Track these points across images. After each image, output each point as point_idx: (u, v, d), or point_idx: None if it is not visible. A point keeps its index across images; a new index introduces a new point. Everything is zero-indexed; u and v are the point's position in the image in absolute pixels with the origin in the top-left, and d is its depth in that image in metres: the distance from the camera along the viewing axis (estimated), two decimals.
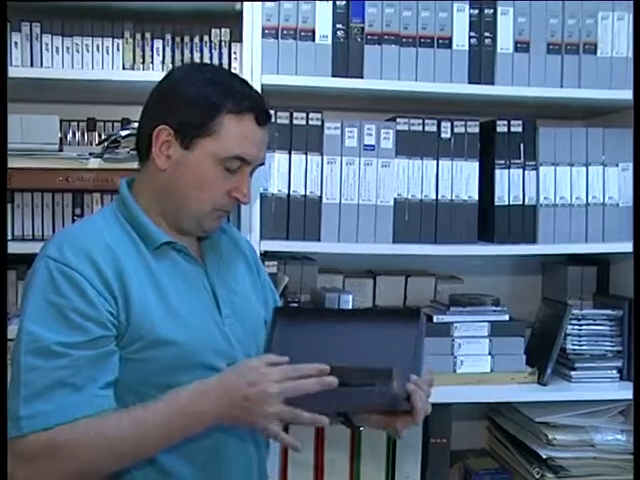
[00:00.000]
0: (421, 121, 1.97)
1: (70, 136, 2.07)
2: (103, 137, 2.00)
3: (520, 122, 2.01)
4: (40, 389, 1.20)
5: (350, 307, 1.95)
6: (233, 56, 1.94)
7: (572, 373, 2.05)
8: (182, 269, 1.38)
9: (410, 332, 1.35)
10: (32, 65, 1.88)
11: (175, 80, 1.38)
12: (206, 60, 1.94)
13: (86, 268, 1.25)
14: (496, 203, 2.00)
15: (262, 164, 1.44)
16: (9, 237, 1.88)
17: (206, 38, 1.95)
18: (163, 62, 1.94)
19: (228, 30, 1.96)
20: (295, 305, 1.96)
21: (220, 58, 1.95)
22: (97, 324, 1.24)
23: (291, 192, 1.92)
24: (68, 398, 1.21)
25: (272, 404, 1.19)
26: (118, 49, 1.92)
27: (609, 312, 2.08)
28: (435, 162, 1.97)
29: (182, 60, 1.95)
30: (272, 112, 1.87)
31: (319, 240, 1.93)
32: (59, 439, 1.20)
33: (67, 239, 1.30)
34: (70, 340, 1.22)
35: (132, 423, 1.21)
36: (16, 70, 1.83)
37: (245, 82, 1.41)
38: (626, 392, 1.97)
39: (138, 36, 1.93)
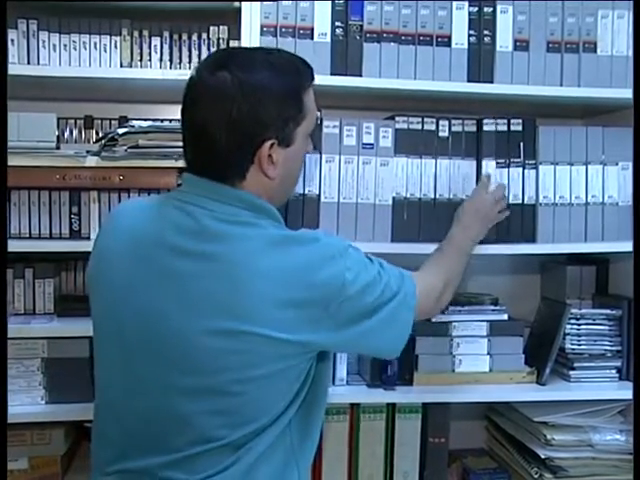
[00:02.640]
0: (420, 120, 1.96)
1: (67, 134, 2.06)
2: (100, 135, 1.99)
3: (520, 121, 2.00)
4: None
5: None
6: None
7: (571, 373, 2.05)
8: None
9: None
10: (29, 63, 1.88)
11: (236, 89, 1.27)
12: (204, 57, 1.93)
13: None
14: None
15: None
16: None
17: (204, 36, 1.94)
18: (161, 60, 1.94)
19: (226, 28, 1.95)
20: None
21: (211, 56, 1.93)
22: None
23: None
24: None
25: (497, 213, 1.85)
26: (116, 47, 1.91)
27: (608, 312, 2.08)
28: (434, 161, 1.97)
29: (180, 58, 1.94)
30: None
31: None
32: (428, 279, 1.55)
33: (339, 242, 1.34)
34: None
35: (447, 254, 1.68)
36: (13, 67, 1.82)
37: (288, 53, 1.42)
38: (625, 392, 1.97)
39: (136, 34, 1.93)
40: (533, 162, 2.01)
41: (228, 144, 1.28)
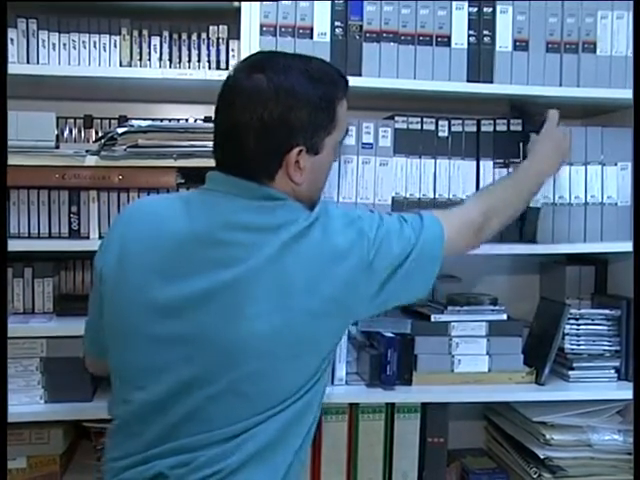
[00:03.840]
0: (419, 120, 1.96)
1: (67, 133, 2.06)
2: (100, 134, 1.99)
3: (519, 121, 2.00)
4: None
5: None
6: (231, 53, 1.93)
7: (570, 373, 2.05)
8: None
9: None
10: (28, 62, 1.87)
11: (270, 93, 1.28)
12: (204, 57, 1.94)
13: None
14: None
15: None
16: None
17: (204, 35, 1.94)
18: (160, 59, 1.94)
19: (226, 27, 1.95)
20: None
21: (218, 55, 1.94)
22: None
23: None
24: None
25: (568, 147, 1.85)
26: (115, 46, 1.91)
27: (607, 312, 2.08)
28: (433, 161, 1.97)
29: (179, 57, 1.94)
30: None
31: None
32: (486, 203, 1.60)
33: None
34: None
35: (503, 184, 1.72)
36: (12, 67, 1.82)
37: (326, 63, 1.42)
38: (624, 392, 1.97)
39: (135, 33, 1.93)
40: None
41: (257, 147, 1.29)
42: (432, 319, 1.99)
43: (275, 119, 1.28)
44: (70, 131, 2.07)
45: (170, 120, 2.03)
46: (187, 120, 2.12)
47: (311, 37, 1.89)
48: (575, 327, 2.07)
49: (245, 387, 1.27)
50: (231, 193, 1.32)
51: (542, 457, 2.00)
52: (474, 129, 1.99)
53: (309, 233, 1.29)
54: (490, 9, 1.96)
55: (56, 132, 1.88)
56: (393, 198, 1.95)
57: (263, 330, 1.25)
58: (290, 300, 1.26)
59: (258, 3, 1.84)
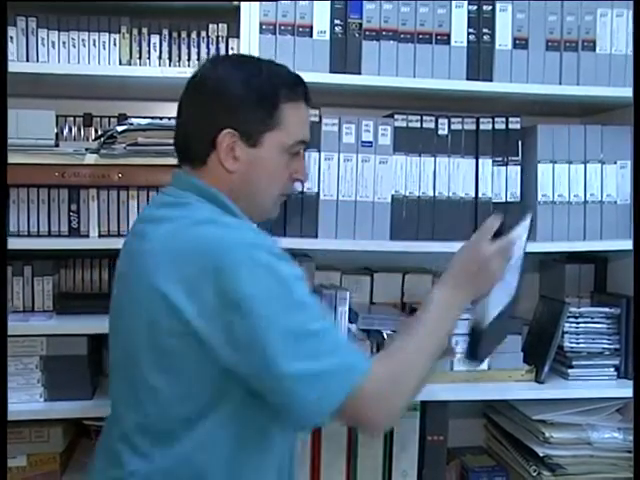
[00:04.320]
0: (419, 118, 1.96)
1: (66, 131, 2.06)
2: (99, 132, 1.99)
3: (518, 119, 2.00)
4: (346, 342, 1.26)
5: (347, 306, 1.94)
6: (230, 52, 1.93)
7: (569, 371, 2.05)
8: None
9: None
10: (28, 60, 1.87)
11: (220, 82, 1.35)
12: (203, 55, 1.93)
13: None
14: (494, 200, 2.00)
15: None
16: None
17: (203, 33, 1.94)
18: (160, 57, 1.93)
19: (225, 25, 1.95)
20: None
21: (217, 53, 1.94)
22: None
23: None
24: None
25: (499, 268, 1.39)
26: (115, 44, 1.91)
27: (607, 310, 2.08)
28: (433, 159, 1.97)
29: (179, 55, 1.94)
30: None
31: (316, 237, 1.92)
32: (390, 365, 1.23)
33: (255, 239, 1.26)
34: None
35: (417, 334, 1.29)
36: (12, 65, 1.81)
37: (282, 65, 1.42)
38: (623, 390, 1.97)
39: (135, 31, 1.92)
40: (532, 160, 2.01)
41: (192, 124, 1.35)
42: None
43: (211, 98, 1.33)
44: (70, 129, 2.06)
45: (170, 118, 2.02)
46: None
47: (311, 35, 1.89)
48: (575, 325, 2.07)
49: None
50: (170, 184, 1.39)
51: (542, 455, 2.01)
52: (473, 127, 1.99)
53: None
54: (490, 7, 1.96)
55: (56, 130, 1.89)
56: (393, 196, 1.95)
57: None
58: None
59: (257, 2, 1.84)
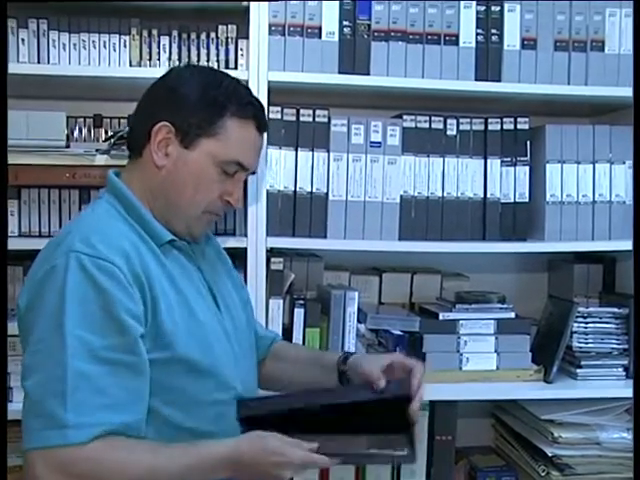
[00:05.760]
0: (427, 118, 1.97)
1: (77, 133, 2.07)
2: (110, 134, 2.00)
3: (527, 119, 2.00)
4: (91, 399, 1.18)
5: (355, 306, 1.94)
6: (240, 53, 1.94)
7: (578, 371, 2.05)
8: (185, 266, 1.38)
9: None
10: (39, 62, 1.88)
11: (178, 79, 1.37)
12: (212, 57, 1.94)
13: (121, 262, 1.23)
14: (502, 200, 2.00)
15: (254, 172, 1.47)
16: (15, 234, 1.88)
17: (213, 35, 1.95)
18: (170, 59, 1.94)
19: (235, 27, 1.95)
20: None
21: (227, 55, 1.95)
22: (137, 320, 1.23)
23: (297, 189, 1.92)
24: (119, 413, 1.20)
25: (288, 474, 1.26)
26: (125, 46, 1.92)
27: (615, 310, 2.08)
28: (441, 159, 1.97)
29: (189, 57, 1.94)
30: (279, 109, 1.89)
31: (325, 237, 1.93)
32: (108, 456, 1.19)
33: (93, 233, 1.26)
34: (116, 342, 1.20)
35: (180, 466, 1.22)
36: (23, 67, 1.83)
37: (248, 88, 1.43)
38: (632, 390, 1.96)
39: (145, 33, 1.93)
40: (540, 160, 2.01)
41: (137, 113, 1.41)
42: (440, 317, 1.99)
43: (160, 93, 1.38)
44: (80, 130, 2.07)
45: None
46: None
47: (319, 36, 1.90)
48: (583, 325, 2.07)
49: None
50: None
51: (550, 455, 2.00)
52: (482, 127, 1.99)
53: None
54: (498, 8, 1.97)
55: (66, 131, 1.89)
56: (401, 197, 1.95)
57: None
58: None
59: (267, 3, 1.85)
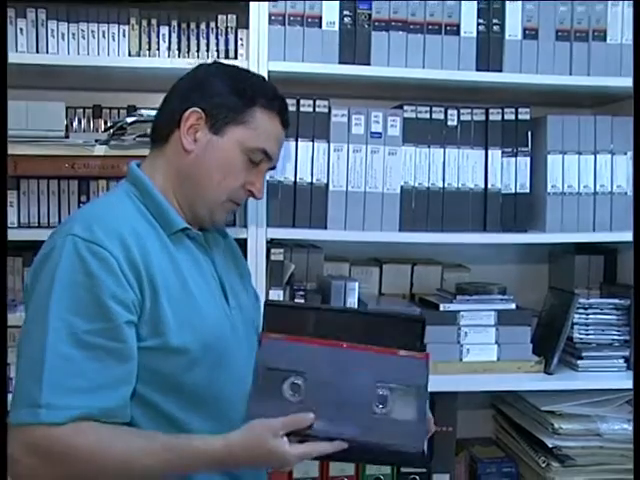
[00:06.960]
0: (428, 108, 1.96)
1: (76, 123, 2.06)
2: (109, 124, 1.99)
3: (528, 110, 2.00)
4: (68, 381, 1.18)
5: (356, 297, 1.94)
6: (239, 42, 1.93)
7: (579, 362, 2.05)
8: (196, 257, 1.39)
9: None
10: (38, 51, 1.87)
11: (207, 72, 1.42)
12: (212, 46, 1.93)
13: (117, 249, 1.24)
14: (503, 191, 1.99)
15: (274, 167, 1.49)
16: (15, 224, 1.88)
17: (212, 24, 1.94)
18: (169, 49, 1.94)
19: (235, 16, 1.94)
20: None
21: (226, 44, 1.94)
22: (125, 307, 1.23)
23: (298, 179, 1.92)
24: (97, 398, 1.19)
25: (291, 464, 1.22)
26: (124, 35, 1.91)
27: (616, 301, 2.08)
28: (442, 150, 1.97)
29: (188, 46, 1.94)
30: None
31: (325, 228, 1.93)
32: (80, 440, 1.18)
33: (95, 219, 1.27)
34: (100, 327, 1.20)
35: (158, 460, 1.20)
36: (22, 56, 1.82)
37: (273, 85, 1.47)
38: (633, 381, 1.96)
39: (144, 22, 1.92)
40: (542, 151, 2.00)
41: (166, 103, 1.42)
42: (441, 308, 1.99)
43: (189, 82, 1.42)
44: (79, 121, 2.07)
45: None
46: None
47: (320, 26, 1.89)
48: (584, 316, 2.07)
49: None
50: None
51: (551, 446, 2.00)
52: (483, 118, 1.98)
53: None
54: None
55: (65, 122, 1.89)
56: (402, 187, 1.95)
57: None
58: None
59: None
